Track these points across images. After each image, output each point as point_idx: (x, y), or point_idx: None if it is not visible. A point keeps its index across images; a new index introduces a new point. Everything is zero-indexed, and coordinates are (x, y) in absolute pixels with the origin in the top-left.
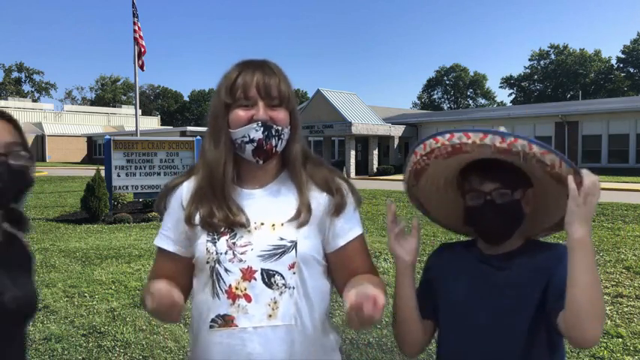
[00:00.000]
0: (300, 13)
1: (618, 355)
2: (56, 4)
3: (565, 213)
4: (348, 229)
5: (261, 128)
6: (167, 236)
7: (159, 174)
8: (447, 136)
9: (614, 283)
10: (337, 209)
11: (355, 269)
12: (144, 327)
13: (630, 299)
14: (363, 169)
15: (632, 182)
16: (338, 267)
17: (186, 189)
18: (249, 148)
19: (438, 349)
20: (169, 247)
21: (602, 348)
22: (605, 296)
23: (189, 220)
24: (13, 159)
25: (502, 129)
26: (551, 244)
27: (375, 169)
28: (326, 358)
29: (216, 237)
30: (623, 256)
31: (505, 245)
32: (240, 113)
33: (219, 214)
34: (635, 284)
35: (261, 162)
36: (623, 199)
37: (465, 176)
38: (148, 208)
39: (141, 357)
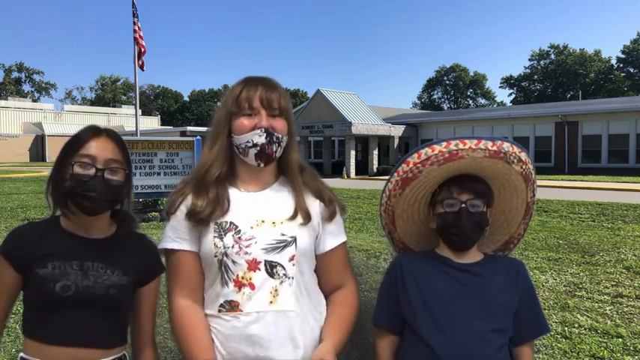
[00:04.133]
0: (300, 13)
1: (618, 355)
2: (56, 4)
3: (510, 234)
4: (336, 234)
5: (264, 134)
6: (182, 238)
7: (159, 174)
8: (444, 144)
9: (614, 283)
10: (330, 216)
11: (334, 275)
12: None
13: (630, 299)
14: (363, 169)
15: (632, 182)
16: (320, 268)
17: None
18: (253, 152)
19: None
20: (185, 246)
21: (602, 348)
22: (605, 296)
23: (189, 216)
24: (108, 174)
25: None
26: (508, 257)
27: (375, 169)
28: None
29: (222, 233)
30: (623, 256)
31: (469, 256)
32: (245, 122)
33: (206, 209)
34: (635, 284)
35: (262, 165)
36: (623, 199)
37: (443, 187)
38: (148, 208)
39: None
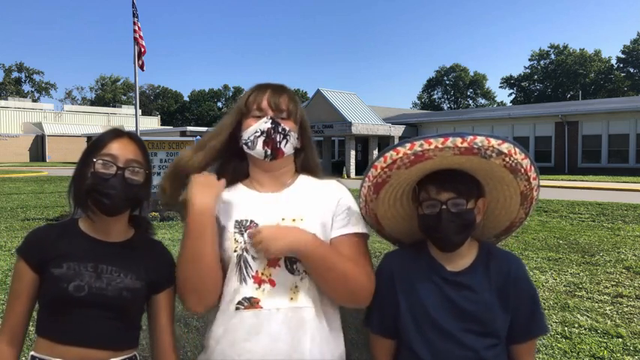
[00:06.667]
0: (300, 13)
1: (618, 355)
2: (56, 4)
3: (511, 220)
4: (344, 225)
5: (270, 120)
6: None
7: (159, 174)
8: (408, 145)
9: (614, 283)
10: (341, 212)
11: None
12: (144, 327)
13: (630, 299)
14: (363, 169)
15: (632, 182)
16: None
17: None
18: (261, 140)
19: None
20: None
21: (602, 348)
22: (605, 296)
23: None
24: (129, 173)
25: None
26: (504, 253)
27: None
28: (336, 347)
29: (242, 229)
30: (623, 256)
31: (460, 254)
32: (252, 122)
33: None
34: (635, 284)
35: (269, 154)
36: (623, 199)
37: (422, 186)
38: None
39: (141, 357)
